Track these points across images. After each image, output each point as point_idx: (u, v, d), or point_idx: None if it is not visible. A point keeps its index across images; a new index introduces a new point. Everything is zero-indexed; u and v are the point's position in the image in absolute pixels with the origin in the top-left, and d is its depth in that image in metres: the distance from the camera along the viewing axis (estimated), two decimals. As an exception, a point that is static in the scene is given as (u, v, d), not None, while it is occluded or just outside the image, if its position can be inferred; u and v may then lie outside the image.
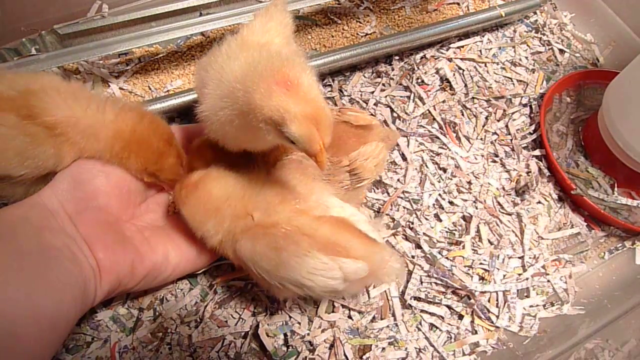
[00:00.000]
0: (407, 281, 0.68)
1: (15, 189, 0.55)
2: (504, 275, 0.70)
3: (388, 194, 0.75)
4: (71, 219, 0.51)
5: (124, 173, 0.56)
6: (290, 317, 0.64)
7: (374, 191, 0.76)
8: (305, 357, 0.62)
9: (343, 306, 0.66)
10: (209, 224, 0.54)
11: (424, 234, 0.72)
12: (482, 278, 0.70)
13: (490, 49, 0.93)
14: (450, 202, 0.75)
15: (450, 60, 0.90)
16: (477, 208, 0.75)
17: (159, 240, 0.56)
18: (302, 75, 0.43)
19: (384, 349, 0.64)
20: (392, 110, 0.83)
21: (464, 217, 0.74)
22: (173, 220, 0.62)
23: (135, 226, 0.56)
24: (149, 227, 0.58)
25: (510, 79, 0.90)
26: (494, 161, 0.81)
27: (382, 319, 0.66)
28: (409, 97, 0.85)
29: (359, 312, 0.66)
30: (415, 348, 0.64)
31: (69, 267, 0.46)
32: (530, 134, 0.84)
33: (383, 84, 0.87)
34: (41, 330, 0.41)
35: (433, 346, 0.64)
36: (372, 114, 0.82)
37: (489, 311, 0.67)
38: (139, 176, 0.58)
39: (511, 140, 0.83)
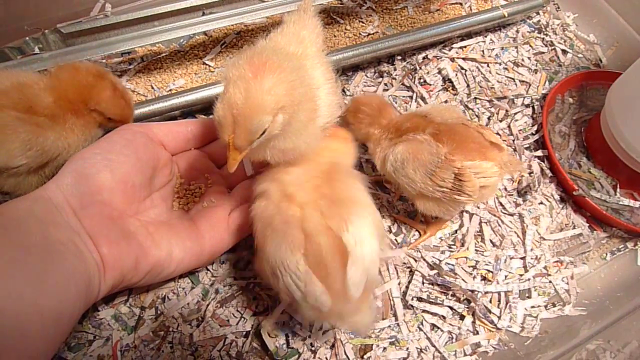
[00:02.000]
0: (409, 281, 0.68)
1: (7, 181, 0.57)
2: (506, 276, 0.70)
3: (389, 194, 0.75)
4: (75, 214, 0.50)
5: (129, 168, 0.55)
6: (292, 316, 0.64)
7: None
8: (307, 357, 0.62)
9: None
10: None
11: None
12: (484, 278, 0.70)
13: (493, 49, 0.93)
14: (452, 203, 0.75)
15: (452, 60, 0.90)
16: (479, 208, 0.75)
17: (163, 236, 0.56)
18: (275, 76, 0.42)
19: (385, 348, 0.64)
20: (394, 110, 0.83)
21: (466, 217, 0.74)
22: (177, 215, 0.61)
23: (139, 221, 0.56)
24: (153, 222, 0.58)
25: (513, 79, 0.90)
26: (496, 161, 0.81)
27: (383, 319, 0.66)
28: (411, 97, 0.85)
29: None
30: (417, 348, 0.64)
31: (73, 262, 0.46)
32: (533, 134, 0.84)
33: (385, 84, 0.87)
34: (45, 325, 0.41)
35: (434, 346, 0.64)
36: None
37: (490, 312, 0.67)
38: (98, 120, 0.62)
39: (513, 140, 0.83)
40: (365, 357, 0.63)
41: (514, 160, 0.61)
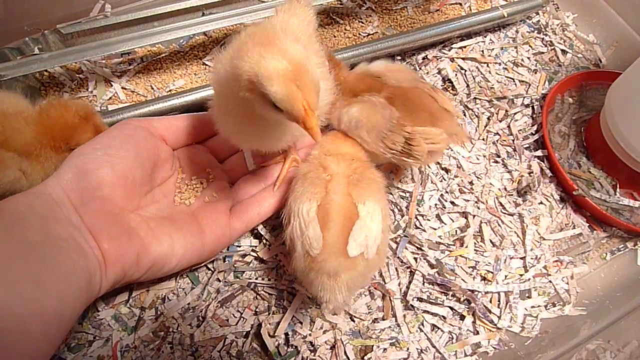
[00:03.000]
0: (409, 282, 0.68)
1: None
2: (506, 276, 0.70)
3: (390, 193, 0.75)
4: (76, 210, 0.50)
5: (129, 163, 0.55)
6: (292, 316, 0.64)
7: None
8: (307, 357, 0.62)
9: (346, 311, 0.66)
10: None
11: (425, 233, 0.72)
12: (484, 278, 0.70)
13: (493, 49, 0.93)
14: (452, 203, 0.75)
15: (452, 60, 0.90)
16: (479, 208, 0.75)
17: (165, 231, 0.56)
18: (284, 39, 0.41)
19: (385, 349, 0.64)
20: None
21: (465, 218, 0.74)
22: (179, 210, 0.61)
23: (140, 217, 0.56)
24: (155, 217, 0.57)
25: (513, 79, 0.90)
26: (496, 161, 0.81)
27: (383, 319, 0.66)
28: (411, 98, 0.85)
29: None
30: (417, 349, 0.64)
31: (74, 258, 0.46)
32: (532, 134, 0.84)
33: (385, 84, 0.87)
34: (46, 322, 0.41)
35: (435, 347, 0.64)
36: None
37: (490, 312, 0.67)
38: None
39: (513, 140, 0.83)
40: (365, 358, 0.63)
41: (461, 131, 0.64)
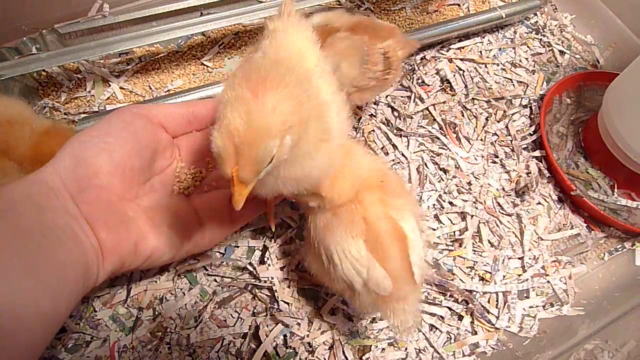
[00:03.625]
0: (407, 281, 0.68)
1: None
2: (504, 276, 0.70)
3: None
4: (73, 198, 0.49)
5: (127, 151, 0.53)
6: (290, 317, 0.64)
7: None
8: (305, 357, 0.62)
9: (344, 311, 0.66)
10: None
11: (423, 234, 0.72)
12: (482, 278, 0.70)
13: (491, 50, 0.93)
14: (450, 203, 0.75)
15: (450, 61, 0.90)
16: (477, 209, 0.75)
17: (163, 220, 0.55)
18: (278, 92, 0.37)
19: (383, 349, 0.64)
20: (393, 110, 0.83)
21: (463, 218, 0.74)
22: (178, 200, 0.60)
23: (138, 206, 0.54)
24: (153, 206, 0.56)
25: (511, 80, 0.90)
26: (494, 162, 0.81)
27: (381, 319, 0.66)
28: (409, 98, 0.85)
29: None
30: (415, 349, 0.64)
31: (71, 247, 0.45)
32: (530, 135, 0.84)
33: (383, 85, 0.87)
34: (42, 311, 0.40)
35: (433, 347, 0.64)
36: (372, 114, 0.83)
37: (488, 312, 0.67)
38: None
39: (511, 141, 0.83)
40: (364, 358, 0.63)
41: (409, 40, 0.74)
